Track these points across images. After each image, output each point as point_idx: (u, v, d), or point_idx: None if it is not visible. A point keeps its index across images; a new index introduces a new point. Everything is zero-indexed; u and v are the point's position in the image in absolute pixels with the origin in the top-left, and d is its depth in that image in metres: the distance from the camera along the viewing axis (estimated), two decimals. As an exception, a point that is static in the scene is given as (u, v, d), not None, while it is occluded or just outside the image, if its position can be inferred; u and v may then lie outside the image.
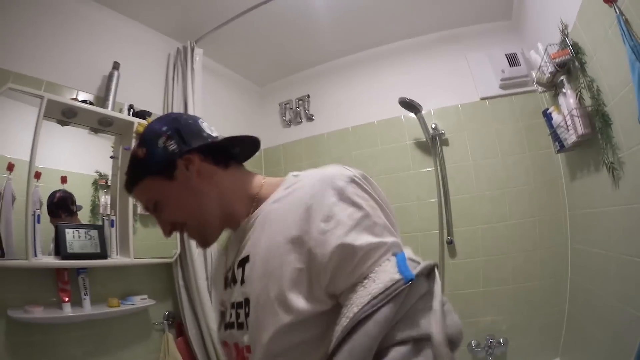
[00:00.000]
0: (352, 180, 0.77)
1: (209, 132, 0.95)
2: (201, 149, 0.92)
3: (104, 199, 2.44)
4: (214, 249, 1.03)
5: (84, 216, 2.32)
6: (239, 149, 1.01)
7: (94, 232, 2.23)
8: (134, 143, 2.45)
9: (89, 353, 2.17)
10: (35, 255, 1.95)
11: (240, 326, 0.81)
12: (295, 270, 0.71)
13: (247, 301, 0.79)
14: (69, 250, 2.07)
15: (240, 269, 0.84)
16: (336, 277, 0.70)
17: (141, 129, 2.43)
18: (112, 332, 2.30)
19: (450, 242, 2.93)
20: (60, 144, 2.26)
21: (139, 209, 2.44)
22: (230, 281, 0.89)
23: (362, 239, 0.70)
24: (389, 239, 0.74)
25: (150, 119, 2.57)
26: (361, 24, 3.17)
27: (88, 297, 2.14)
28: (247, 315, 0.79)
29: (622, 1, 1.49)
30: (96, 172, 2.42)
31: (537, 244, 2.75)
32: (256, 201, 0.92)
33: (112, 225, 2.38)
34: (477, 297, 2.83)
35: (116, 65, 2.54)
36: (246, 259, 0.83)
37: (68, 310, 2.02)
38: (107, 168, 2.48)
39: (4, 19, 2.12)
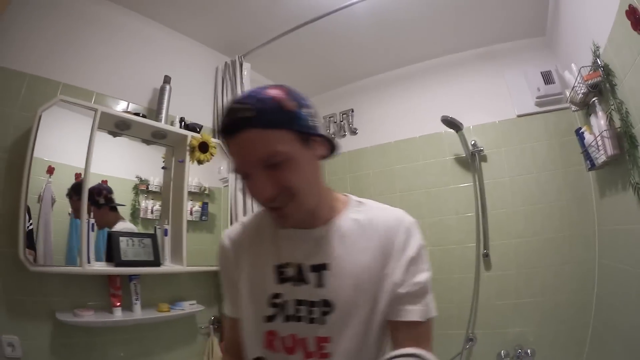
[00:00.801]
0: (416, 224, 0.97)
1: None
2: (326, 140, 0.94)
3: (144, 203, 2.50)
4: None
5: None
6: None
7: (147, 241, 2.33)
8: (187, 156, 2.55)
9: (133, 355, 2.24)
10: (89, 262, 2.02)
11: (312, 321, 0.90)
12: (384, 292, 0.90)
13: (325, 302, 0.90)
14: (123, 258, 2.16)
15: (315, 274, 0.92)
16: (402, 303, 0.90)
17: (195, 143, 2.56)
18: (158, 335, 2.37)
19: (486, 255, 2.98)
20: (104, 150, 2.29)
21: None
22: (295, 279, 0.94)
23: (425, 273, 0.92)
24: None
25: (204, 133, 2.68)
26: (402, 41, 3.25)
27: (139, 302, 2.22)
28: (324, 313, 0.90)
29: (649, 30, 1.52)
30: (137, 177, 2.49)
31: (567, 258, 2.77)
32: (333, 212, 0.99)
33: (165, 234, 2.47)
34: (508, 308, 2.87)
35: (167, 79, 2.62)
36: (323, 267, 0.92)
37: (119, 314, 2.11)
38: (147, 174, 2.55)
39: (55, 33, 2.22)
